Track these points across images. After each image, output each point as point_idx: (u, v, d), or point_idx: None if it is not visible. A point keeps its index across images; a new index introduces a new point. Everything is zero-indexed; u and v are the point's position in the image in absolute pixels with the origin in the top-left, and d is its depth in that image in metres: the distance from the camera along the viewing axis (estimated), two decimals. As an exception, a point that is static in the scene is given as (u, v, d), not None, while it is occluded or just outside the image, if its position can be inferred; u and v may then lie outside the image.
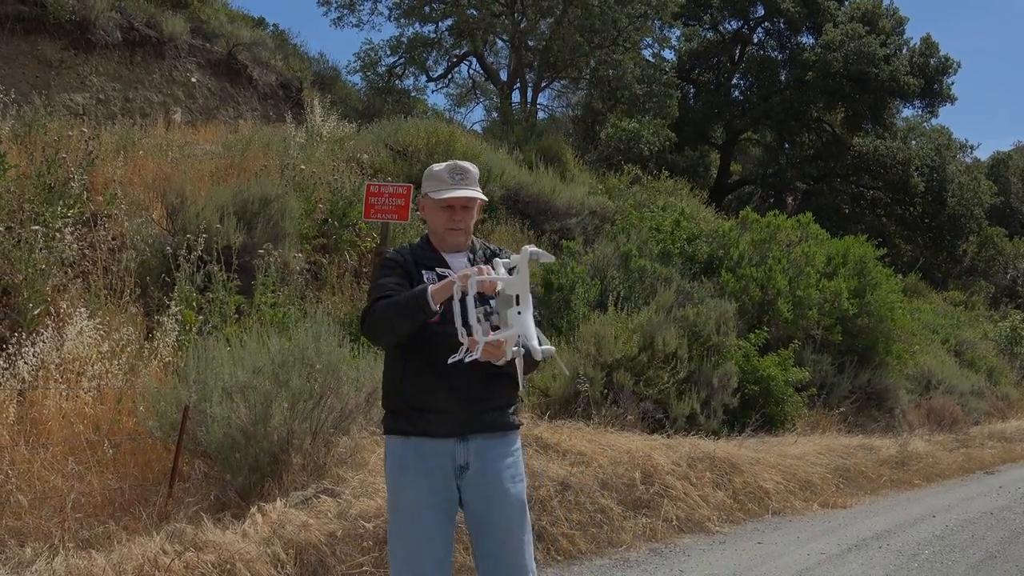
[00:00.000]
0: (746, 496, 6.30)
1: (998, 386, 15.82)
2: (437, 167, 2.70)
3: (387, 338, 2.52)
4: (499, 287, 2.32)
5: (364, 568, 3.80)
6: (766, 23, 26.72)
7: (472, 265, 2.52)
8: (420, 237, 2.83)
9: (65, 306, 5.13)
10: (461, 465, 2.50)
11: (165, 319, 5.24)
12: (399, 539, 2.50)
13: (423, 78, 22.53)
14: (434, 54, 21.65)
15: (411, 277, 2.55)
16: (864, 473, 8.00)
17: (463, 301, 2.31)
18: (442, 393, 2.48)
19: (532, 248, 2.34)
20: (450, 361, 2.35)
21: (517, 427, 2.66)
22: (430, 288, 2.39)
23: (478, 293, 2.35)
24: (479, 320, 2.32)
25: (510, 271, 2.36)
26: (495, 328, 2.35)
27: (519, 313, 2.29)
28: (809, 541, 5.62)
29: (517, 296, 2.30)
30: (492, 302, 2.39)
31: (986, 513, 7.09)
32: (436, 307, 2.38)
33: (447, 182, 2.63)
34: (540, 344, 2.28)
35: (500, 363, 2.38)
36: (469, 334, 2.31)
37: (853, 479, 7.74)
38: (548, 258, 2.40)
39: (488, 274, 2.34)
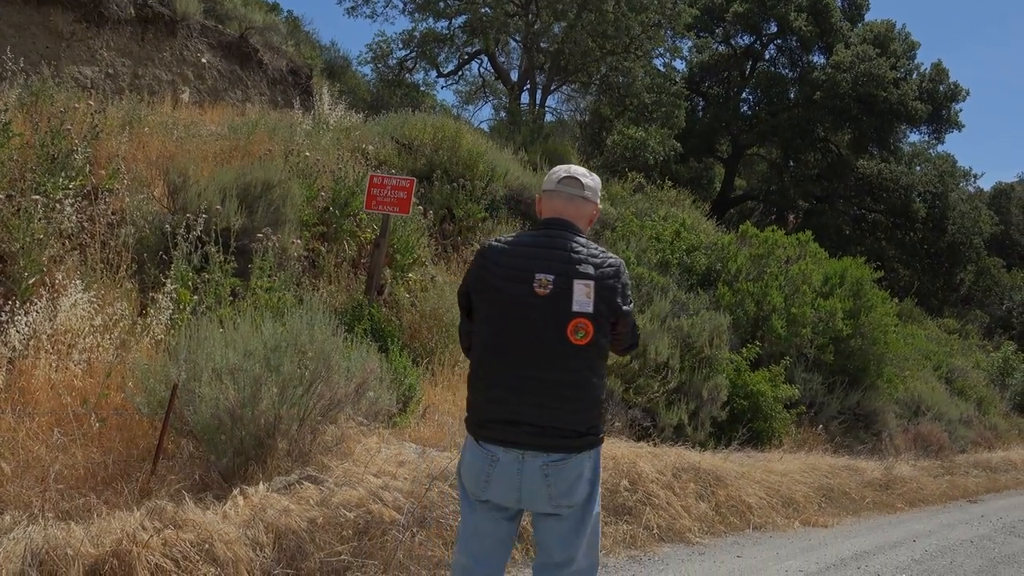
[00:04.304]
0: (728, 509, 6.31)
1: (987, 416, 15.87)
2: None
3: None
4: None
5: (342, 557, 3.80)
6: (778, 40, 26.78)
7: None
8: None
9: (60, 277, 5.12)
10: None
11: (160, 297, 5.23)
12: None
13: (433, 73, 22.60)
14: (446, 50, 21.67)
15: None
16: (848, 494, 8.02)
17: None
18: None
19: None
20: None
21: None
22: None
23: None
24: None
25: None
26: None
27: None
28: (788, 558, 5.63)
29: None
30: None
31: (966, 541, 7.11)
32: None
33: None
34: None
35: None
36: None
37: (836, 499, 7.76)
38: None
39: None
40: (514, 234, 2.75)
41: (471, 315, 2.74)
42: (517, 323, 2.57)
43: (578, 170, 2.79)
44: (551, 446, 2.55)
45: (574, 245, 2.64)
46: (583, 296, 2.54)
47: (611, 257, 2.66)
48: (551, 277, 2.55)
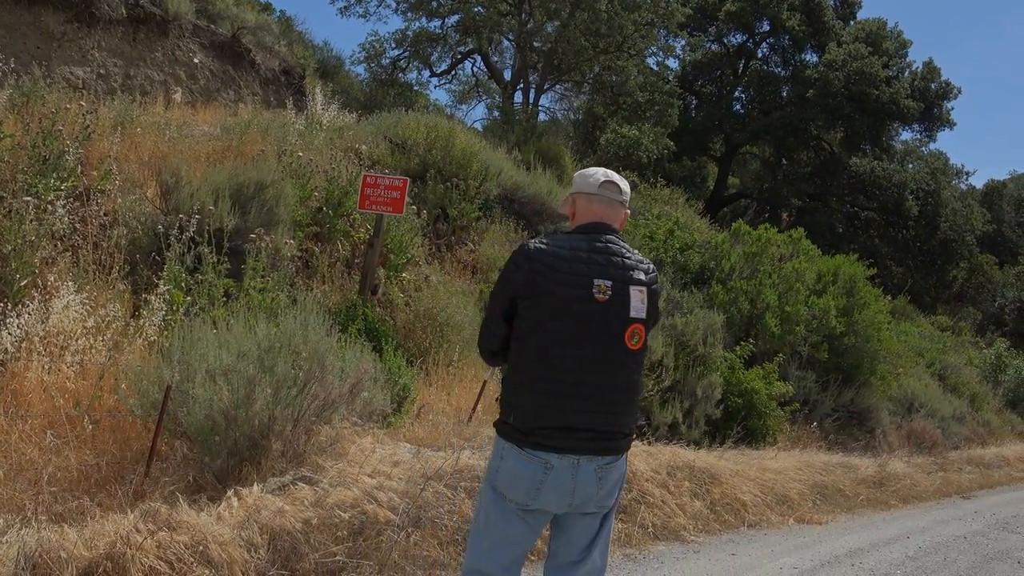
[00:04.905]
0: (723, 507, 6.32)
1: (979, 412, 15.94)
2: None
3: None
4: None
5: (337, 558, 3.80)
6: (771, 39, 26.86)
7: None
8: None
9: (53, 279, 5.10)
10: None
11: (152, 298, 5.22)
12: None
13: (426, 73, 22.61)
14: (439, 49, 21.70)
15: None
16: (842, 491, 8.04)
17: None
18: None
19: None
20: None
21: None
22: None
23: None
24: None
25: None
26: None
27: None
28: (782, 555, 5.65)
29: None
30: None
31: (959, 537, 7.14)
32: None
33: None
34: None
35: None
36: None
37: (830, 496, 7.79)
38: None
39: None
40: (552, 237, 2.65)
41: (509, 319, 2.63)
42: (574, 328, 2.52)
43: (613, 174, 2.75)
44: (605, 449, 2.57)
45: (624, 251, 2.64)
46: (638, 302, 2.58)
47: (650, 263, 2.72)
48: (609, 283, 2.55)
